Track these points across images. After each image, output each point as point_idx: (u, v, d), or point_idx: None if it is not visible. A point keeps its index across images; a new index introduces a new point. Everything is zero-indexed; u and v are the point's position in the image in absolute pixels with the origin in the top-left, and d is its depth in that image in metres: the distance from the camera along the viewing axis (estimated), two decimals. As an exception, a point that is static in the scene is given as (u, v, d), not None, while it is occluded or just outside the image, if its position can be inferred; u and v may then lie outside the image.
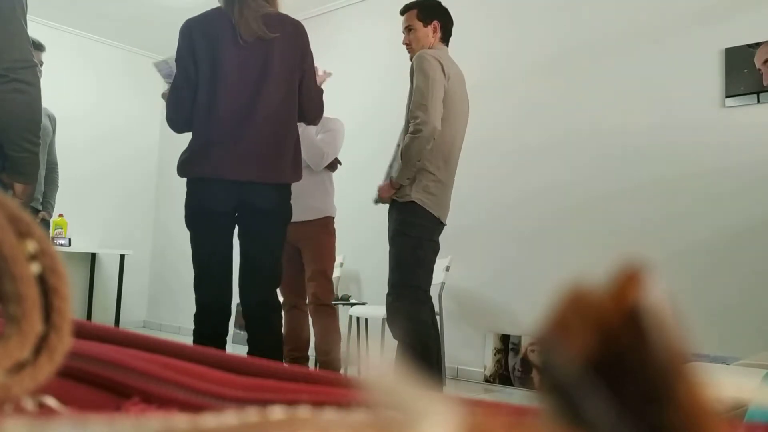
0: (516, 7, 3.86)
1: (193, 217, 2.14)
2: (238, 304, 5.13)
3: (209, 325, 2.12)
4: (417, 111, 2.30)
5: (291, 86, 2.16)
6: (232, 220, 2.16)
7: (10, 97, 1.78)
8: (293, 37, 2.16)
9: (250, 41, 2.07)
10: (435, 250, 2.46)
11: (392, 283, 2.37)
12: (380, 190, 2.43)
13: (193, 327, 2.15)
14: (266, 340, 2.14)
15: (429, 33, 2.52)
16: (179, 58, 2.14)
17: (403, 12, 2.59)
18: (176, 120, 2.16)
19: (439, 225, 2.44)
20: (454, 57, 2.60)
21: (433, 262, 2.46)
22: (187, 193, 2.14)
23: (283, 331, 2.94)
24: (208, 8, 2.19)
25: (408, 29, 2.56)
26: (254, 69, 2.09)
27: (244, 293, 2.17)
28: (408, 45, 2.57)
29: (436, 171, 2.38)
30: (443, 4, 2.63)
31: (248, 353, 2.15)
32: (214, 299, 2.12)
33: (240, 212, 2.15)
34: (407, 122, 2.39)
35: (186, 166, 2.11)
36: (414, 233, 2.33)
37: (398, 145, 2.45)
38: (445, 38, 2.58)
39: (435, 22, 2.53)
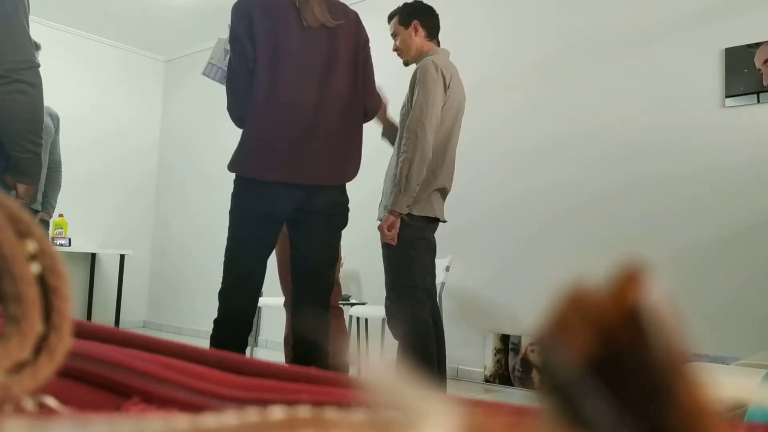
0: (516, 7, 3.86)
1: (242, 223, 1.93)
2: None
3: (235, 336, 1.93)
4: (415, 129, 2.27)
5: (356, 78, 2.00)
6: (281, 223, 1.98)
7: (12, 97, 1.78)
8: (356, 26, 2.03)
9: (315, 27, 1.91)
10: (429, 248, 2.44)
11: (389, 286, 2.37)
12: (383, 228, 2.31)
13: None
14: (315, 353, 1.96)
15: (411, 34, 2.52)
16: (234, 38, 1.90)
17: (388, 21, 2.61)
18: (236, 109, 1.93)
19: (432, 222, 2.42)
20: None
21: (430, 260, 2.45)
22: (239, 193, 1.93)
23: (284, 332, 2.94)
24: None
25: (394, 36, 2.58)
26: (320, 57, 1.92)
27: (299, 298, 2.02)
28: (398, 50, 2.58)
29: (428, 180, 2.37)
30: (433, 3, 2.62)
31: (293, 362, 2.02)
32: (244, 310, 1.95)
33: (299, 214, 1.95)
34: (401, 137, 2.39)
35: (243, 161, 1.89)
36: (405, 235, 2.33)
37: (396, 161, 2.41)
38: (432, 35, 2.54)
39: (414, 22, 2.52)
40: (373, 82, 2.12)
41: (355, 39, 2.01)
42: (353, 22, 2.04)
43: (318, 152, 1.90)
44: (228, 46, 2.02)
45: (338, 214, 2.02)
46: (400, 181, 2.27)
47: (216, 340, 1.93)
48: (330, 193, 1.96)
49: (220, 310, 1.96)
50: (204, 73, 2.17)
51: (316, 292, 2.01)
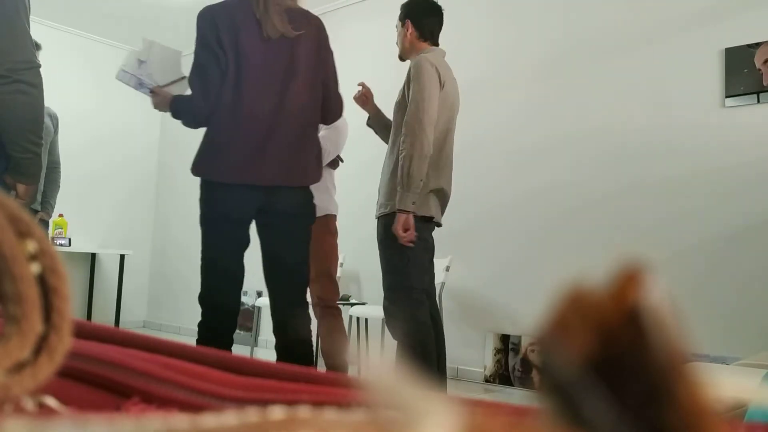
0: (516, 6, 3.86)
1: (211, 222, 2.02)
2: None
3: (220, 337, 2.00)
4: (413, 124, 2.28)
5: (315, 84, 2.09)
6: (249, 223, 2.07)
7: (12, 98, 1.78)
8: (316, 34, 2.09)
9: (275, 38, 1.99)
10: (427, 248, 2.44)
11: (386, 287, 2.37)
12: (398, 231, 2.29)
13: (195, 330, 2.08)
14: (297, 346, 2.06)
15: (405, 33, 2.53)
16: (205, 45, 1.96)
17: None
18: (202, 111, 1.98)
19: (428, 223, 2.42)
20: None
21: (427, 260, 2.45)
22: (205, 196, 2.02)
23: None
24: None
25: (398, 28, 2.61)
26: (280, 66, 2.00)
27: (275, 298, 2.09)
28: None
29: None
30: (436, 3, 2.62)
31: (278, 359, 2.08)
32: (226, 310, 2.03)
33: (263, 216, 2.05)
34: (395, 132, 2.40)
35: (205, 166, 1.98)
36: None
37: (389, 159, 2.42)
38: (425, 36, 2.53)
39: (407, 21, 2.53)
40: (334, 86, 2.17)
41: (315, 45, 2.08)
42: (315, 28, 2.09)
43: (276, 156, 1.98)
44: (141, 57, 2.12)
45: (301, 213, 2.08)
46: (402, 179, 2.27)
47: (202, 343, 1.97)
48: (291, 193, 2.04)
49: (203, 313, 2.03)
50: (118, 77, 2.24)
51: (289, 291, 2.08)
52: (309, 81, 2.06)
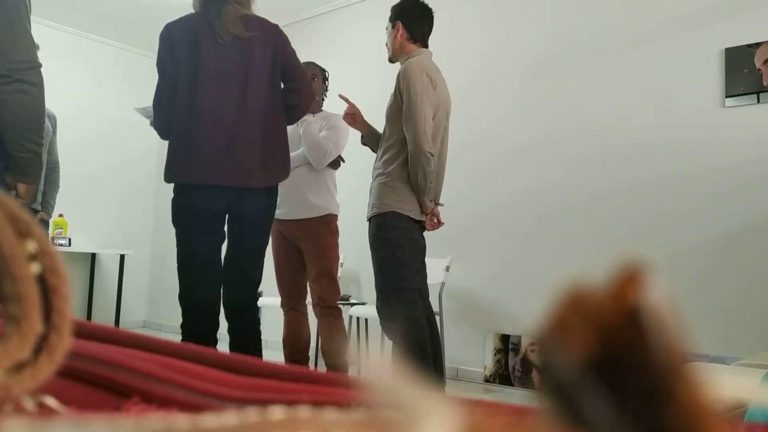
0: (517, 6, 3.86)
1: (182, 221, 2.14)
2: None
3: (202, 335, 2.09)
4: (412, 129, 2.31)
5: (275, 83, 2.16)
6: (222, 221, 2.18)
7: (13, 97, 1.78)
8: (272, 35, 2.18)
9: (229, 40, 2.09)
10: (418, 249, 2.46)
11: (378, 288, 2.39)
12: (433, 225, 2.49)
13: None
14: (248, 336, 2.18)
15: (395, 35, 2.53)
16: (159, 61, 2.14)
17: None
18: (159, 123, 2.19)
19: (419, 223, 2.45)
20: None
21: (419, 261, 2.47)
22: (175, 197, 2.15)
23: (282, 333, 2.93)
24: None
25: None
26: (236, 68, 2.09)
27: (228, 292, 2.20)
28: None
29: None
30: (427, 5, 2.61)
31: (230, 350, 2.19)
32: (207, 308, 2.12)
33: (229, 215, 2.16)
34: (388, 139, 2.41)
35: (172, 170, 2.10)
36: (392, 236, 2.36)
37: (384, 161, 2.44)
38: (415, 38, 2.53)
39: (397, 23, 2.52)
40: (300, 79, 2.23)
41: (272, 47, 2.15)
42: (271, 32, 2.18)
43: (241, 156, 2.06)
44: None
45: (264, 214, 2.18)
46: (418, 187, 2.35)
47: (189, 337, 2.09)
48: (257, 196, 2.12)
49: (183, 313, 2.12)
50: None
51: (242, 288, 2.19)
52: (268, 81, 2.14)
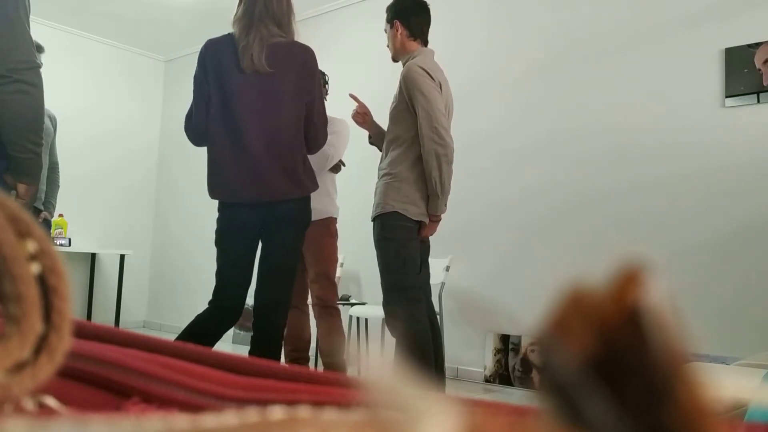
0: (516, 5, 3.86)
1: (219, 236, 2.28)
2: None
3: (212, 324, 2.20)
4: (431, 136, 2.32)
5: (299, 111, 2.22)
6: (258, 235, 2.27)
7: (13, 98, 1.78)
8: (300, 67, 2.19)
9: (250, 72, 2.14)
10: (422, 248, 2.49)
11: (385, 288, 2.42)
12: (431, 234, 2.50)
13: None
14: (272, 338, 2.25)
15: (395, 34, 2.53)
16: (195, 76, 2.22)
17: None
18: (192, 135, 2.27)
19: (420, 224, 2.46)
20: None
21: (422, 260, 2.49)
22: (218, 214, 2.29)
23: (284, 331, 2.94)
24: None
25: (386, 32, 2.61)
26: (261, 97, 2.15)
27: (260, 294, 2.26)
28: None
29: (418, 180, 2.39)
30: (429, 2, 2.61)
31: (250, 352, 2.26)
32: (229, 305, 2.23)
33: (264, 225, 2.25)
34: (392, 140, 2.42)
35: (212, 189, 2.25)
36: (396, 236, 2.37)
37: (390, 161, 2.44)
38: (415, 34, 2.53)
39: (395, 22, 2.52)
40: (317, 118, 2.27)
41: (297, 77, 2.18)
42: (298, 60, 2.19)
43: (270, 178, 2.16)
44: None
45: (296, 219, 2.25)
46: (435, 188, 2.35)
47: (191, 326, 2.17)
48: (288, 205, 2.21)
49: (208, 309, 2.25)
50: None
51: (274, 291, 2.26)
52: (291, 109, 2.19)
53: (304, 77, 2.21)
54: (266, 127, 2.15)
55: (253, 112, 2.14)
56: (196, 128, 2.23)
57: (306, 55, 2.22)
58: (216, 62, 2.17)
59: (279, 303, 2.26)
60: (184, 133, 2.31)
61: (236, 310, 2.24)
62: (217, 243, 2.29)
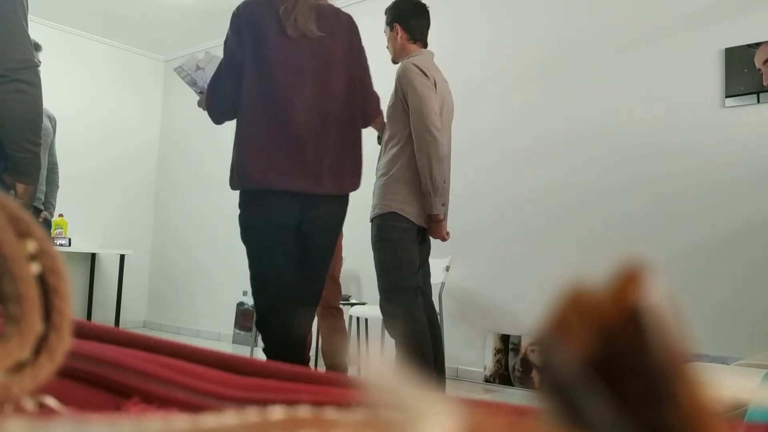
0: (515, 6, 3.86)
1: (258, 240, 1.87)
2: (238, 304, 5.13)
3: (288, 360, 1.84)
4: (422, 133, 2.30)
5: (351, 84, 1.97)
6: (296, 235, 1.91)
7: (11, 97, 1.78)
8: (347, 31, 1.99)
9: (297, 37, 1.88)
10: (420, 249, 2.48)
11: (382, 288, 2.42)
12: (441, 236, 2.43)
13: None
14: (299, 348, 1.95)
15: (395, 37, 2.53)
16: (226, 40, 1.93)
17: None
18: (215, 110, 1.97)
19: (422, 228, 2.46)
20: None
21: (421, 260, 2.48)
22: (245, 211, 1.90)
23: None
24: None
25: (386, 34, 2.61)
26: (308, 65, 1.89)
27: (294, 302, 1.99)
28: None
29: (414, 178, 2.38)
30: (431, 3, 2.61)
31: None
32: (292, 333, 1.86)
33: (301, 225, 1.92)
34: (389, 138, 2.41)
35: (240, 176, 1.86)
36: (394, 237, 2.37)
37: (386, 161, 2.43)
38: (415, 37, 2.53)
39: (395, 25, 2.52)
40: (369, 87, 2.08)
41: (347, 44, 1.98)
42: (345, 27, 2.00)
43: (314, 161, 1.87)
44: (201, 64, 2.11)
45: (336, 226, 2.00)
46: (427, 186, 2.31)
47: None
48: (330, 205, 1.94)
49: (265, 340, 1.87)
50: (175, 70, 2.25)
51: (304, 297, 1.99)
52: (343, 81, 1.94)
53: (353, 47, 1.99)
54: (322, 99, 1.88)
55: (300, 81, 1.86)
56: (222, 103, 1.93)
57: (353, 25, 2.02)
58: (253, 26, 1.87)
59: (305, 311, 1.98)
60: (201, 108, 2.04)
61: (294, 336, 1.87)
62: (254, 246, 1.90)
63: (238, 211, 1.93)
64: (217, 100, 1.95)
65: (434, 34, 2.64)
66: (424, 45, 2.56)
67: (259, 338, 4.56)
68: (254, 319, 1.90)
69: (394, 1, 2.59)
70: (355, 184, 2.01)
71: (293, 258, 1.90)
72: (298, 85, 1.87)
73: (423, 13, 2.56)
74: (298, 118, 1.85)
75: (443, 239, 2.46)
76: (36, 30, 3.05)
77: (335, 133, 1.92)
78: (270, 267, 1.88)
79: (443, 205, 2.38)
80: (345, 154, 1.95)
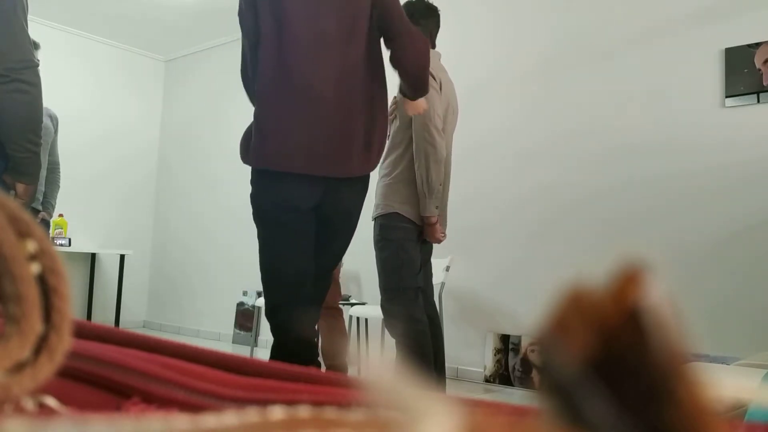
0: (516, 7, 3.86)
1: (272, 224, 1.70)
2: (238, 304, 5.13)
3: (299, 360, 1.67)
4: (422, 133, 2.30)
5: (375, 43, 1.74)
6: (313, 221, 1.75)
7: (11, 97, 1.78)
8: None
9: None
10: (422, 249, 2.50)
11: (383, 288, 2.43)
12: (436, 237, 2.43)
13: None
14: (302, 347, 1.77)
15: None
16: (239, 13, 1.73)
17: None
18: (247, 87, 1.81)
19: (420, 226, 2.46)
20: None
21: (423, 260, 2.49)
22: (258, 190, 1.71)
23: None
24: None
25: None
26: (334, 26, 1.67)
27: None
28: None
29: (416, 180, 2.39)
30: (433, 4, 2.61)
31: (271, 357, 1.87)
32: (300, 329, 1.70)
33: (317, 212, 1.75)
34: (392, 139, 2.42)
35: (259, 154, 1.66)
36: (395, 237, 2.38)
37: (390, 161, 2.44)
38: None
39: None
40: (403, 27, 1.78)
41: (369, 9, 1.74)
42: None
43: (340, 139, 1.67)
44: None
45: (357, 210, 1.84)
46: (423, 187, 2.33)
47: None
48: (352, 188, 1.76)
49: (275, 332, 1.73)
50: None
51: (316, 294, 1.85)
52: (368, 41, 1.72)
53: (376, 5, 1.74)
54: (344, 67, 1.67)
55: (322, 43, 1.65)
56: (251, 85, 1.75)
57: None
58: None
59: (312, 304, 1.81)
60: (245, 91, 1.85)
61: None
62: (267, 232, 1.71)
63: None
64: (247, 86, 1.81)
65: (438, 35, 2.64)
66: (433, 46, 2.57)
67: (259, 338, 4.57)
68: (264, 310, 1.74)
69: (407, 1, 2.59)
70: (378, 160, 1.83)
71: (309, 242, 1.73)
72: (321, 50, 1.66)
73: (434, 14, 2.57)
74: (319, 88, 1.65)
75: (438, 241, 2.48)
76: (36, 30, 3.06)
77: (364, 106, 1.72)
78: (283, 252, 1.70)
79: (437, 207, 2.38)
80: (374, 129, 1.75)
